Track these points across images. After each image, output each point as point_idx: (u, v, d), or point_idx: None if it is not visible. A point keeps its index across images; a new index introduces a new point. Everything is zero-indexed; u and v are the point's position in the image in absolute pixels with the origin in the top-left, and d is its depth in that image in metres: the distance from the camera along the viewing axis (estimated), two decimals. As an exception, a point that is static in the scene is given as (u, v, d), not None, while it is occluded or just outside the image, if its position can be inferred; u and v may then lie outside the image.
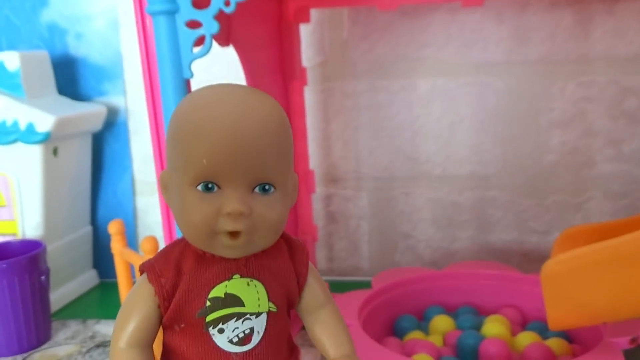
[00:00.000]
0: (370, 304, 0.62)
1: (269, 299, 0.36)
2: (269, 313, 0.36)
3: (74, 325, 0.75)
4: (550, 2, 0.76)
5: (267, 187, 0.33)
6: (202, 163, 0.32)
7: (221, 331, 0.35)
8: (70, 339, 0.72)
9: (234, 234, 0.33)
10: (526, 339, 0.57)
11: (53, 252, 0.77)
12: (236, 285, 0.35)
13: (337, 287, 0.77)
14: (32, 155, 0.76)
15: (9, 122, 0.75)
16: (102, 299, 0.84)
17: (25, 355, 0.68)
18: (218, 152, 0.32)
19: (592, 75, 0.76)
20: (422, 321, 0.65)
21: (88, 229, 0.88)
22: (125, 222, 0.88)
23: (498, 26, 0.77)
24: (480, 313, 0.66)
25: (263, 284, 0.36)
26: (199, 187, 0.33)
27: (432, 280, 0.67)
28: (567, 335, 0.58)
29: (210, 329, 0.35)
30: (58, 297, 0.80)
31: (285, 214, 0.35)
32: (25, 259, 0.67)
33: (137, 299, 0.36)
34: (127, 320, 0.35)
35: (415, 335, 0.61)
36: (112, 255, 0.64)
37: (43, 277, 0.70)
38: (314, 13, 0.80)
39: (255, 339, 0.36)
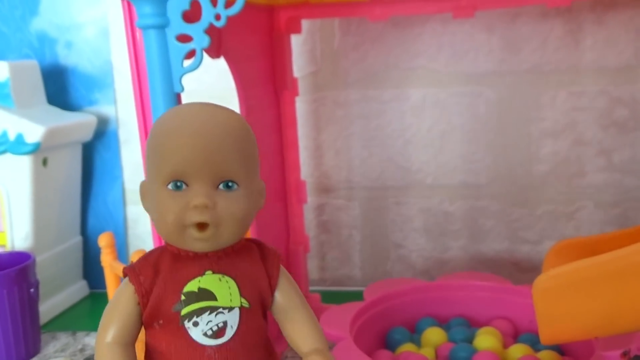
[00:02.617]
0: (362, 317, 0.62)
1: (241, 295, 0.38)
2: (241, 308, 0.38)
3: (63, 338, 0.74)
4: (540, 12, 0.76)
5: (230, 184, 0.37)
6: (172, 163, 0.36)
7: (196, 324, 0.37)
8: (59, 352, 0.71)
9: (202, 226, 0.36)
10: (518, 351, 0.57)
11: (42, 262, 0.77)
12: (209, 280, 0.38)
13: (329, 297, 0.77)
14: (22, 166, 0.75)
15: (-2, 133, 0.74)
16: (93, 310, 0.83)
17: (14, 368, 0.68)
18: (185, 153, 0.36)
19: (583, 85, 0.76)
20: (414, 333, 0.65)
21: (78, 239, 0.88)
22: (116, 232, 0.88)
23: (489, 36, 0.78)
24: (472, 325, 0.66)
25: (234, 280, 0.38)
26: (170, 186, 0.36)
27: (424, 292, 0.67)
28: (559, 348, 0.58)
29: (186, 322, 0.37)
30: (47, 308, 0.79)
31: (250, 210, 0.38)
32: (14, 272, 0.67)
33: (119, 299, 0.38)
34: (111, 319, 0.38)
35: (407, 347, 0.61)
36: (101, 263, 0.63)
37: (32, 290, 0.69)
38: (305, 23, 0.79)
39: (229, 333, 0.38)
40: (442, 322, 0.66)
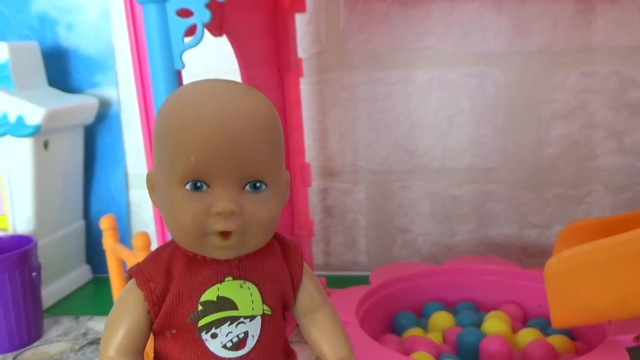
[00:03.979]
0: (369, 301, 0.61)
1: (263, 302, 0.35)
2: (263, 316, 0.35)
3: (66, 322, 0.74)
4: (551, -9, 0.74)
5: (258, 184, 0.32)
6: (190, 161, 0.31)
7: (214, 336, 0.34)
8: (62, 336, 0.70)
9: (225, 234, 0.32)
10: (528, 336, 0.56)
11: (45, 247, 0.76)
12: (229, 287, 0.34)
13: (334, 282, 0.76)
14: (22, 149, 0.74)
15: (-2, 115, 0.73)
16: (96, 295, 0.83)
17: (16, 353, 0.67)
18: (206, 149, 0.31)
19: (594, 66, 0.75)
20: (421, 318, 0.64)
21: (81, 223, 0.87)
22: (118, 216, 0.87)
23: (498, 16, 0.76)
24: (480, 309, 0.65)
25: (257, 285, 0.35)
26: (187, 186, 0.31)
27: (431, 276, 0.66)
28: (570, 333, 0.57)
29: (203, 334, 0.34)
30: (50, 293, 0.78)
31: (278, 212, 0.34)
32: (15, 255, 0.66)
33: (125, 305, 0.34)
34: (115, 328, 0.34)
35: (414, 332, 0.60)
36: (103, 246, 0.62)
37: (34, 273, 0.69)
38: (309, 2, 0.78)
39: (250, 343, 0.34)
40: (450, 307, 0.65)
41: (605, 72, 0.75)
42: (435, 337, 0.59)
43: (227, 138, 0.31)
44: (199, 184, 0.31)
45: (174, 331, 0.34)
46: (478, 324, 0.60)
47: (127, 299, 0.34)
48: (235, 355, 0.34)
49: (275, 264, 0.36)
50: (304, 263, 0.38)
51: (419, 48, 0.78)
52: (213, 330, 0.34)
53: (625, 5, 0.73)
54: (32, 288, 0.69)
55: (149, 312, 0.34)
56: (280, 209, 0.34)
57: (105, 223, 0.61)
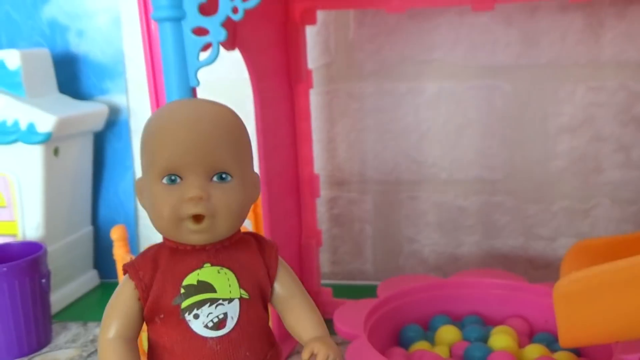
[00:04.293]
0: (376, 314, 0.61)
1: (240, 286, 0.39)
2: (241, 299, 0.39)
3: (74, 328, 0.74)
4: (560, 5, 0.74)
5: (224, 175, 0.37)
6: (166, 158, 0.36)
7: (196, 317, 0.38)
8: (70, 342, 0.71)
9: (197, 218, 0.36)
10: (534, 352, 0.56)
11: (53, 252, 0.77)
12: (207, 272, 0.38)
13: (341, 291, 0.76)
14: (33, 156, 0.75)
15: (10, 122, 0.74)
16: (103, 300, 0.82)
17: (25, 359, 0.68)
18: (178, 147, 0.36)
19: (602, 80, 0.75)
20: (428, 331, 0.64)
21: (89, 229, 0.87)
22: (126, 222, 0.88)
23: (507, 29, 0.76)
24: (487, 323, 0.65)
25: (233, 271, 0.39)
26: (164, 180, 0.37)
27: (438, 289, 0.66)
28: (576, 350, 0.57)
29: (186, 315, 0.38)
30: (58, 298, 0.79)
31: (245, 202, 0.38)
32: (25, 262, 0.67)
33: (120, 294, 0.39)
34: (112, 314, 0.38)
35: (421, 345, 0.60)
36: (113, 256, 0.63)
37: (44, 280, 0.69)
38: (319, 13, 0.78)
39: (230, 324, 0.38)
40: (456, 320, 0.65)
41: (613, 87, 0.75)
42: (442, 351, 0.59)
43: (194, 136, 0.36)
44: (173, 177, 0.37)
45: (162, 316, 0.38)
46: (484, 338, 0.61)
47: (122, 289, 0.39)
48: (217, 335, 0.38)
49: (251, 256, 0.40)
50: (280, 257, 0.42)
51: (428, 60, 0.79)
52: (195, 311, 0.38)
53: (633, 20, 0.73)
54: (41, 295, 0.69)
55: (139, 299, 0.38)
56: (248, 202, 0.39)
57: (116, 233, 0.61)
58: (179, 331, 0.38)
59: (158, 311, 0.38)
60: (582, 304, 0.43)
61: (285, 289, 0.42)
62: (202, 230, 0.37)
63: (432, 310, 0.66)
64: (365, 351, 0.53)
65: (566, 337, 0.46)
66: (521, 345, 0.60)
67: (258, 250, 0.41)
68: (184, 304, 0.38)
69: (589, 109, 0.76)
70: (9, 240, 0.75)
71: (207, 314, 0.38)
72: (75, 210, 0.84)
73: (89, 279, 0.87)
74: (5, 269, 0.65)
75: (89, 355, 0.68)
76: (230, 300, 0.38)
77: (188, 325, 0.38)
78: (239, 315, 0.39)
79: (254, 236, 0.42)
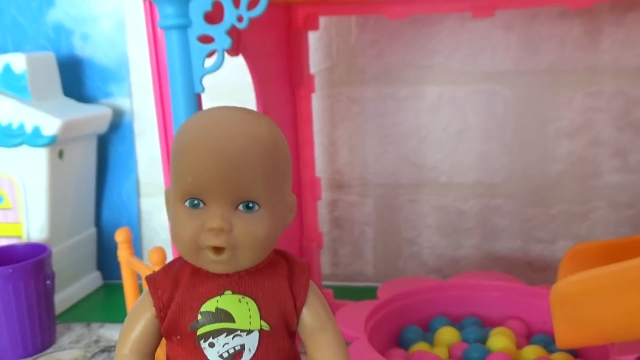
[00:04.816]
0: (376, 315, 0.62)
1: (261, 317, 0.36)
2: (261, 332, 0.36)
3: (78, 329, 0.75)
4: (559, 12, 0.75)
5: (250, 204, 0.34)
6: (188, 180, 0.34)
7: (212, 345, 0.36)
8: (74, 343, 0.72)
9: (217, 249, 0.34)
10: (532, 353, 0.57)
11: (57, 254, 0.77)
12: (227, 301, 0.36)
13: (341, 292, 0.77)
14: (38, 158, 0.76)
15: (15, 125, 0.74)
16: (106, 301, 0.84)
17: (30, 359, 0.68)
18: (202, 170, 0.33)
19: (600, 85, 0.76)
20: (427, 332, 0.65)
21: (92, 230, 0.88)
22: (130, 224, 0.89)
23: (507, 35, 0.77)
24: (485, 324, 0.66)
25: (255, 301, 0.36)
26: (187, 204, 0.34)
27: (438, 291, 0.67)
28: (573, 351, 0.58)
29: (202, 342, 0.36)
30: (62, 298, 0.80)
31: (272, 232, 0.35)
32: (30, 264, 0.67)
33: (138, 309, 0.38)
34: (130, 329, 0.37)
35: (420, 346, 0.61)
36: (117, 258, 0.64)
37: (48, 282, 0.70)
38: (321, 19, 0.79)
39: (247, 356, 0.36)
40: (455, 321, 0.66)
41: (611, 92, 0.76)
42: (441, 352, 0.60)
43: (221, 160, 0.33)
44: (196, 202, 0.34)
45: (179, 337, 0.37)
46: (483, 339, 0.62)
47: (141, 304, 0.38)
48: None
49: (277, 282, 0.37)
50: (312, 284, 0.39)
51: (428, 65, 0.80)
52: (211, 340, 0.36)
53: (631, 27, 0.74)
54: (46, 296, 0.70)
55: (156, 316, 0.37)
56: (278, 231, 0.36)
57: (121, 236, 0.62)
58: (193, 356, 0.36)
59: (175, 332, 0.37)
60: (578, 306, 0.44)
61: (314, 321, 0.38)
62: (222, 261, 0.34)
63: (432, 312, 0.67)
64: (365, 352, 0.54)
65: (563, 338, 0.46)
66: (519, 346, 0.60)
67: (287, 276, 0.38)
68: (200, 330, 0.36)
69: (587, 114, 0.77)
70: (14, 242, 0.76)
71: (223, 344, 0.36)
72: (79, 212, 0.85)
73: (93, 280, 0.88)
74: (10, 270, 0.66)
75: (92, 356, 0.69)
76: (250, 332, 0.36)
77: (203, 352, 0.36)
78: (257, 348, 0.36)
79: (284, 257, 0.39)
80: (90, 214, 0.88)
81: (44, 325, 0.70)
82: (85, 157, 0.84)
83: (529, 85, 0.78)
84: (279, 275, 0.37)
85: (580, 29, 0.75)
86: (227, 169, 0.33)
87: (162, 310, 0.37)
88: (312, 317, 0.38)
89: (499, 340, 0.59)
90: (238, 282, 0.36)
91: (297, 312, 0.38)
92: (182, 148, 0.34)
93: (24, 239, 0.78)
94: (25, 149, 0.75)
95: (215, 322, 0.36)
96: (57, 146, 0.77)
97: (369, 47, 0.81)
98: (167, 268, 0.38)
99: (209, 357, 0.36)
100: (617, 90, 0.76)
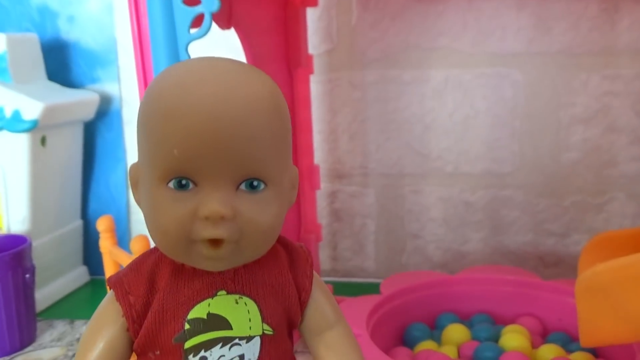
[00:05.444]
0: (379, 311, 0.58)
1: (263, 320, 0.30)
2: (263, 337, 0.30)
3: (60, 326, 0.71)
4: (574, -11, 0.71)
5: (255, 183, 0.27)
6: (173, 154, 0.26)
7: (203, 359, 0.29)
8: (56, 341, 0.68)
9: (214, 242, 0.27)
10: (549, 352, 0.53)
11: (40, 247, 0.74)
12: (221, 303, 0.30)
13: (341, 288, 0.74)
14: (19, 145, 0.71)
15: (-6, 109, 0.70)
16: (93, 297, 0.80)
17: (7, 358, 0.64)
18: (193, 141, 0.26)
19: (618, 68, 0.72)
20: (434, 330, 0.61)
21: (78, 223, 0.84)
22: (118, 216, 0.85)
23: (517, 14, 0.73)
24: (497, 322, 0.62)
25: (255, 301, 0.30)
26: (171, 184, 0.27)
27: (445, 286, 0.63)
28: (594, 350, 0.54)
29: (191, 357, 0.29)
30: (45, 295, 0.76)
31: (281, 217, 0.29)
32: (8, 256, 0.63)
33: (102, 321, 0.30)
34: (90, 347, 0.30)
35: (427, 345, 0.57)
36: (101, 252, 0.60)
37: (27, 275, 0.66)
38: (321, -3, 0.75)
39: None
40: (464, 319, 0.62)
41: (630, 75, 0.72)
42: (449, 351, 0.56)
43: (218, 128, 0.26)
44: (184, 182, 0.27)
45: (158, 353, 0.30)
46: (495, 337, 0.57)
47: (104, 314, 0.30)
48: None
49: (279, 275, 0.31)
50: (315, 274, 0.33)
51: (434, 47, 0.75)
52: (202, 354, 0.29)
53: (651, 5, 0.70)
54: (25, 290, 0.66)
55: (128, 329, 0.30)
56: (284, 213, 0.30)
57: (102, 224, 0.58)
58: None
59: (152, 347, 0.30)
60: (607, 298, 0.40)
61: (321, 318, 0.32)
62: (220, 257, 0.27)
63: (439, 308, 0.63)
64: (368, 351, 0.50)
65: (588, 335, 0.42)
66: (534, 345, 0.56)
67: (288, 265, 0.32)
68: (188, 343, 0.29)
69: (603, 99, 0.73)
70: (-7, 234, 0.72)
71: (218, 357, 0.29)
72: (64, 203, 0.81)
73: (78, 275, 0.83)
74: (-15, 262, 0.62)
75: (74, 355, 0.64)
76: (250, 338, 0.30)
77: None
78: (259, 356, 0.30)
79: (282, 244, 0.32)
80: (76, 206, 0.84)
81: (22, 321, 0.66)
82: (70, 145, 0.80)
83: (541, 68, 0.74)
84: (280, 266, 0.32)
85: (597, 7, 0.71)
86: (228, 137, 0.26)
87: (135, 322, 0.30)
88: (318, 314, 0.32)
89: (513, 338, 0.55)
90: (233, 279, 0.30)
91: (302, 306, 0.32)
92: (163, 112, 0.27)
93: (4, 231, 0.74)
94: (5, 134, 0.71)
95: (208, 331, 0.29)
96: (39, 132, 0.73)
97: (371, 28, 0.76)
98: (138, 266, 0.31)
99: None
100: (635, 73, 0.71)
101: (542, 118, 0.75)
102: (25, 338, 0.66)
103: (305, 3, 0.66)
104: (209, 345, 0.29)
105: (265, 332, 0.30)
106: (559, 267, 0.77)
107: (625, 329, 0.40)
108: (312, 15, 0.75)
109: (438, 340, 0.59)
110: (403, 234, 0.81)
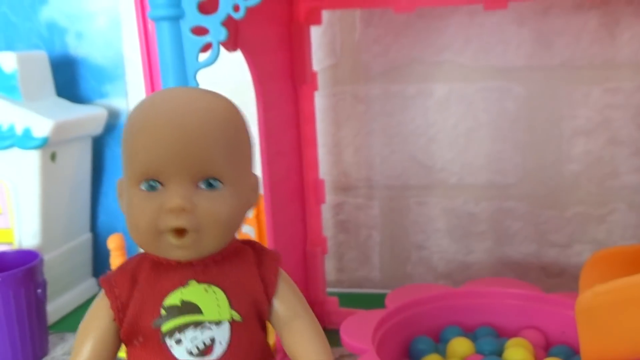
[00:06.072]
0: (384, 325, 0.59)
1: (231, 307, 0.34)
2: (232, 322, 0.34)
3: (72, 339, 0.72)
4: (574, 4, 0.72)
5: (212, 182, 0.32)
6: (143, 160, 0.32)
7: (179, 342, 0.34)
8: (68, 355, 0.69)
9: (179, 232, 0.32)
10: (552, 366, 0.54)
11: (51, 261, 0.75)
12: (193, 291, 0.34)
13: (347, 299, 0.74)
14: (29, 161, 0.73)
15: (5, 127, 0.72)
16: (102, 310, 0.81)
17: (20, 372, 0.66)
18: (157, 148, 0.31)
19: (618, 81, 0.72)
20: (439, 343, 0.62)
21: (87, 236, 0.85)
22: (126, 229, 0.85)
23: (519, 29, 0.74)
24: (500, 335, 0.62)
25: (223, 290, 0.34)
26: (143, 187, 0.32)
27: (449, 299, 0.64)
28: (596, 364, 0.55)
29: (167, 339, 0.34)
30: (56, 308, 0.77)
31: (237, 212, 0.34)
32: (20, 272, 0.64)
33: (94, 315, 0.35)
34: (85, 338, 0.35)
35: (432, 358, 0.58)
36: (110, 267, 0.61)
37: (39, 290, 0.67)
38: (324, 14, 0.76)
39: (218, 350, 0.34)
40: (469, 331, 0.63)
41: (630, 88, 0.72)
42: (454, 364, 0.56)
43: (177, 135, 0.31)
44: (152, 183, 0.32)
45: (141, 339, 0.34)
46: (499, 350, 0.58)
47: (96, 308, 0.35)
48: None
49: (247, 270, 0.36)
50: (283, 271, 0.37)
51: (437, 61, 0.76)
52: (177, 336, 0.34)
53: (651, 19, 0.70)
54: (37, 305, 0.67)
55: (114, 319, 0.34)
56: (242, 211, 0.34)
57: (113, 242, 0.59)
58: (159, 357, 0.34)
59: (136, 334, 0.34)
60: (607, 319, 0.41)
61: (286, 309, 0.36)
62: (185, 245, 0.32)
63: (444, 321, 0.63)
64: (373, 366, 0.51)
65: (589, 354, 0.43)
66: (537, 358, 0.57)
67: (255, 263, 0.36)
68: (165, 327, 0.34)
69: (604, 112, 0.73)
70: (5, 249, 0.73)
71: (191, 339, 0.34)
72: (74, 217, 0.82)
73: (88, 287, 0.84)
74: (-1, 278, 0.63)
75: (86, 368, 0.65)
76: (219, 323, 0.34)
77: (169, 351, 0.34)
78: (230, 340, 0.34)
79: (252, 246, 0.37)
80: (86, 219, 0.85)
81: (35, 336, 0.67)
82: (79, 160, 0.81)
83: (542, 81, 0.74)
84: (247, 263, 0.36)
85: (597, 21, 0.71)
86: (185, 142, 0.31)
87: (120, 311, 0.34)
88: (284, 304, 0.37)
89: (517, 352, 0.56)
90: (204, 271, 0.34)
91: (269, 299, 0.36)
92: (134, 127, 0.32)
93: (16, 246, 0.75)
94: (15, 151, 0.72)
95: (181, 315, 0.34)
96: (49, 148, 0.74)
97: (374, 42, 0.77)
98: (123, 266, 0.36)
99: (176, 356, 0.34)
100: (636, 86, 0.72)
101: (544, 130, 0.76)
102: (38, 352, 0.67)
103: (309, 21, 0.66)
104: (183, 328, 0.34)
105: (234, 318, 0.34)
106: (562, 277, 0.78)
107: (626, 348, 0.41)
108: (316, 32, 0.76)
109: (443, 353, 0.60)
110: (408, 244, 0.82)
